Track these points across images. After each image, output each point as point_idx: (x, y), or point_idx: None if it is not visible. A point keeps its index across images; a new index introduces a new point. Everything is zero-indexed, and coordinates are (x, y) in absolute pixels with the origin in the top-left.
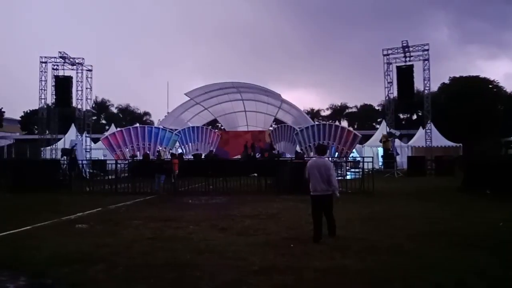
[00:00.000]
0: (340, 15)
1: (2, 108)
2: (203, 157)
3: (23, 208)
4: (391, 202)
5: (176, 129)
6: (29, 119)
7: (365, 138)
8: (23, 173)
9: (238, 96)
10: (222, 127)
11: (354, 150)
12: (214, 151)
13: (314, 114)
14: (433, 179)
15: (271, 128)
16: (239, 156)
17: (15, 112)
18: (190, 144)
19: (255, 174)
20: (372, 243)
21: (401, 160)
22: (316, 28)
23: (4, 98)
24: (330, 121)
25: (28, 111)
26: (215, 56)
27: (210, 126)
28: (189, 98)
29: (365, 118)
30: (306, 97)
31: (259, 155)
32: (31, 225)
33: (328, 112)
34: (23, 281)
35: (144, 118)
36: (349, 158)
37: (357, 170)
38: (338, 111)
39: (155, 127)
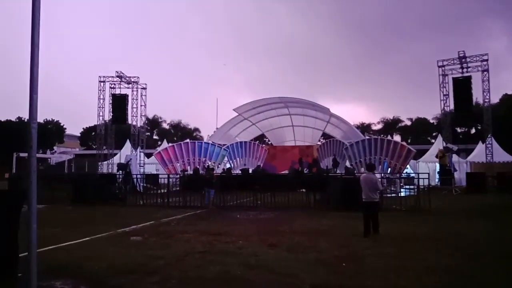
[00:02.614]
0: (391, 26)
1: (63, 125)
2: (250, 171)
3: (82, 220)
4: (449, 220)
5: (224, 144)
6: (88, 135)
7: (419, 153)
8: (82, 186)
9: (285, 111)
10: (270, 142)
11: (408, 166)
12: (261, 165)
13: (364, 128)
14: (495, 197)
15: (319, 143)
16: (286, 171)
17: (75, 129)
18: (238, 159)
19: (303, 190)
20: (429, 263)
21: (459, 176)
22: (366, 41)
23: (65, 115)
24: (382, 136)
25: (87, 128)
26: (264, 72)
27: (257, 141)
28: (237, 114)
29: (419, 132)
30: (356, 111)
31: (307, 170)
32: (90, 236)
33: (379, 126)
34: None
35: (194, 134)
36: (403, 174)
37: (411, 187)
38: (390, 125)
39: (204, 142)
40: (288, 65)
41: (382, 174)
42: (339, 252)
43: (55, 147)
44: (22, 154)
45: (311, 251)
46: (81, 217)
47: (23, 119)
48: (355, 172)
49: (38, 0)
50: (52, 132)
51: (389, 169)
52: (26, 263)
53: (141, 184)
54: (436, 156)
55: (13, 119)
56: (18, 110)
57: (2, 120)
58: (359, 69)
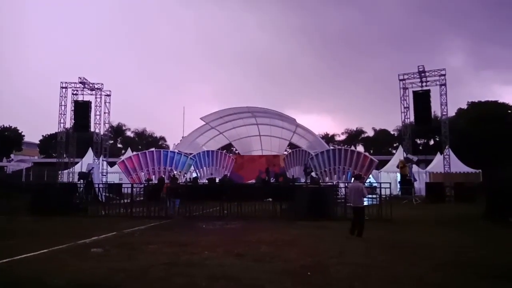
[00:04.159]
0: (354, 41)
1: (22, 132)
2: (217, 181)
3: (41, 231)
4: (411, 229)
5: (191, 153)
6: (48, 143)
7: (381, 164)
8: (41, 196)
9: (253, 120)
10: (237, 152)
11: (370, 176)
12: (228, 175)
13: (329, 139)
14: (453, 206)
15: (285, 153)
16: (253, 181)
17: (34, 136)
18: (204, 168)
19: (270, 199)
20: (394, 272)
21: (419, 186)
22: (331, 55)
23: (24, 122)
24: (346, 146)
25: (47, 135)
26: (231, 82)
27: (225, 150)
28: (204, 123)
29: (381, 143)
30: (321, 122)
31: (274, 179)
32: (49, 248)
33: (343, 137)
34: None
35: (160, 143)
36: (366, 184)
37: (374, 196)
38: (354, 136)
39: (170, 151)
40: (256, 76)
41: (346, 184)
42: (305, 261)
43: (12, 155)
44: None
45: (277, 261)
46: (40, 228)
47: None
48: (320, 181)
49: None
50: (10, 139)
51: (353, 179)
52: None
53: (104, 193)
54: (397, 166)
55: None
56: None
57: None
58: (324, 82)
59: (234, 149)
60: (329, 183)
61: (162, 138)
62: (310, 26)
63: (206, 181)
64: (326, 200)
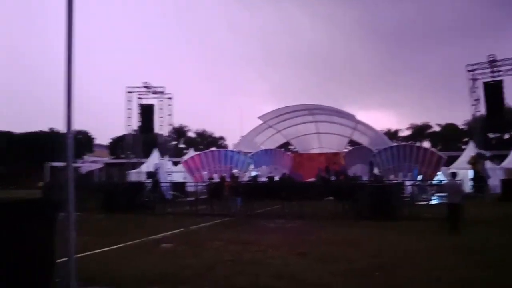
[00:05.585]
0: (417, 31)
1: (92, 135)
2: (276, 179)
3: (113, 228)
4: (485, 230)
5: (249, 152)
6: (117, 145)
7: (450, 160)
8: (112, 194)
9: (310, 118)
10: (295, 150)
11: (439, 173)
12: (287, 173)
13: (391, 135)
14: None
15: (345, 150)
16: (313, 179)
17: (104, 138)
18: (264, 166)
19: (331, 198)
20: (464, 275)
21: (493, 183)
22: (392, 46)
23: (94, 125)
24: (411, 142)
25: (116, 137)
26: (288, 80)
27: (283, 149)
28: (262, 122)
29: (449, 138)
30: (383, 118)
31: (334, 178)
32: (121, 244)
33: (407, 133)
34: None
35: (220, 142)
36: (434, 181)
37: (443, 194)
38: (419, 131)
39: (230, 150)
40: (312, 73)
41: (411, 182)
42: (370, 262)
43: (85, 157)
44: (54, 164)
45: (342, 261)
46: (112, 225)
47: (54, 129)
48: (384, 179)
49: (71, 16)
50: (82, 142)
51: (419, 176)
52: (63, 269)
53: (169, 192)
54: (469, 163)
55: (45, 129)
56: (49, 121)
57: (35, 131)
58: (385, 76)
59: (292, 147)
60: (394, 181)
61: (222, 138)
62: (367, 19)
63: (266, 180)
64: (391, 199)
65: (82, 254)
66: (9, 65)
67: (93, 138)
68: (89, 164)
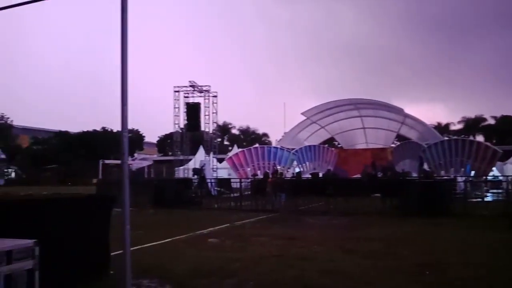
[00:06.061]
0: (467, 20)
1: (142, 133)
2: (321, 176)
3: (163, 222)
4: None
5: (293, 148)
6: (164, 142)
7: (506, 155)
8: (161, 191)
9: (355, 113)
10: (340, 145)
11: (494, 168)
12: (332, 170)
13: (442, 129)
14: None
15: (393, 145)
16: (359, 175)
17: (152, 136)
18: (307, 163)
19: (378, 195)
20: None
21: None
22: (441, 37)
23: (143, 124)
24: (463, 136)
25: (164, 135)
26: (331, 75)
27: (327, 145)
28: (305, 117)
29: (505, 131)
30: (432, 111)
31: (381, 174)
32: (170, 238)
33: (459, 126)
34: None
35: (263, 139)
36: (489, 177)
37: (499, 190)
38: (472, 125)
39: (273, 147)
40: (357, 67)
41: (463, 178)
42: (420, 260)
43: (135, 154)
44: (107, 161)
45: (390, 258)
46: (161, 220)
47: (107, 129)
48: (434, 175)
49: (126, 20)
50: (132, 140)
51: (473, 172)
52: (117, 261)
53: (215, 188)
54: None
55: (98, 129)
56: (102, 121)
57: (89, 130)
58: (434, 68)
59: (337, 143)
60: (445, 177)
61: (265, 135)
62: (413, 8)
63: (310, 176)
64: (442, 195)
65: (135, 248)
66: (65, 69)
67: (143, 136)
68: (139, 161)
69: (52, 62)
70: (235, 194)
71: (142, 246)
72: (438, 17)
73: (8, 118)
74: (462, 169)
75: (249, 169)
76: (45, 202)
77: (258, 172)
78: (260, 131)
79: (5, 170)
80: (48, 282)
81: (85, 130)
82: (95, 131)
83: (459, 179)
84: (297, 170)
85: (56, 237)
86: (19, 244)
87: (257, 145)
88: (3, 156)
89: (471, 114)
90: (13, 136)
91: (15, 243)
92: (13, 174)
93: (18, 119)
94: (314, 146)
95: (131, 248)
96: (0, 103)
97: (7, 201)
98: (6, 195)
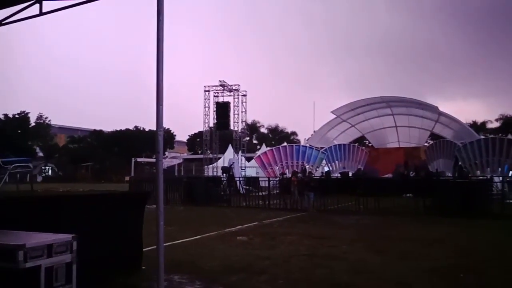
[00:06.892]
0: (503, 14)
1: (173, 132)
2: (350, 175)
3: (193, 219)
4: None
5: (322, 147)
6: (194, 141)
7: None
8: (191, 188)
9: (387, 111)
10: (370, 144)
11: None
12: (362, 169)
13: (478, 127)
14: None
15: (426, 144)
16: (390, 175)
17: (183, 135)
18: (336, 162)
19: (410, 195)
20: None
21: None
22: (478, 31)
23: (174, 123)
24: (501, 135)
25: (193, 134)
26: (362, 73)
27: (357, 144)
28: (335, 116)
29: None
30: (468, 108)
31: (413, 173)
32: (201, 234)
33: (496, 124)
34: (199, 285)
35: (292, 137)
36: None
37: None
38: (511, 123)
39: (302, 146)
40: (389, 64)
41: (501, 178)
42: (455, 261)
43: (166, 152)
44: (139, 159)
45: (423, 259)
46: (192, 217)
47: (139, 127)
48: (470, 175)
49: (162, 22)
50: (164, 139)
51: (511, 172)
52: (149, 257)
53: (243, 186)
54: None
55: (131, 127)
56: (135, 120)
57: (122, 129)
58: (471, 63)
59: (367, 142)
60: (481, 177)
61: (294, 133)
62: (448, 1)
63: (339, 175)
64: (478, 196)
65: (166, 244)
66: (100, 70)
67: (174, 135)
68: (170, 159)
69: (89, 64)
70: (264, 193)
71: (173, 242)
72: (475, 7)
73: (46, 117)
74: (500, 169)
75: (277, 167)
76: (83, 198)
77: (286, 171)
78: (289, 129)
79: (43, 167)
80: (83, 276)
81: (119, 129)
82: (127, 129)
83: (496, 179)
84: (326, 169)
85: (92, 232)
86: (59, 238)
87: (285, 143)
88: (41, 154)
89: (510, 112)
90: (50, 135)
91: (55, 237)
92: (50, 172)
93: (56, 119)
94: (344, 144)
95: (165, 244)
96: (38, 104)
97: (48, 196)
98: (47, 191)
